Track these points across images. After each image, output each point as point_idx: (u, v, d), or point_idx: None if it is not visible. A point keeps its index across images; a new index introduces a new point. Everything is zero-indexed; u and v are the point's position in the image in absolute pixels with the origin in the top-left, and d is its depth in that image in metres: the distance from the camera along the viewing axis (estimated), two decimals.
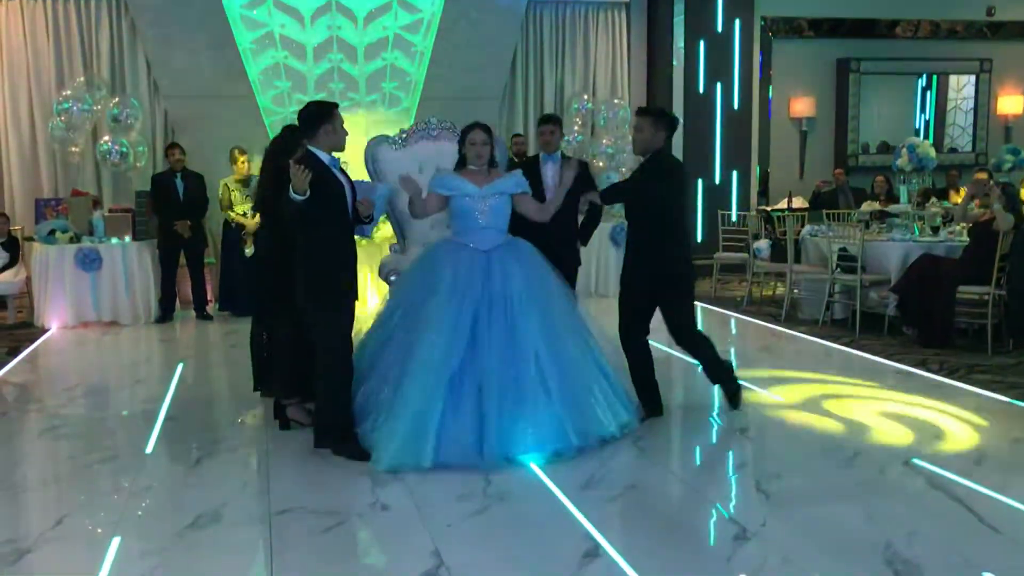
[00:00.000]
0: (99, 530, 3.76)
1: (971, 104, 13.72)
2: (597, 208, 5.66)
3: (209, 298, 8.96)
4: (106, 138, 9.68)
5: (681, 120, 11.70)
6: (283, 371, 5.09)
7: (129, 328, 8.46)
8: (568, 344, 4.75)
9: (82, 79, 9.94)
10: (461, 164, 5.00)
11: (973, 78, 13.65)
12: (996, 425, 5.17)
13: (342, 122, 4.60)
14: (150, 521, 3.90)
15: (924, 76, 13.57)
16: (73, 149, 9.78)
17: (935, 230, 8.13)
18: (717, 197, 11.86)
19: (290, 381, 5.05)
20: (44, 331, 8.25)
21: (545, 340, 4.61)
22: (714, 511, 3.94)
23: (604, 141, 10.94)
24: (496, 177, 4.96)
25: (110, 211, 9.17)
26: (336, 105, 4.67)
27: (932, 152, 8.90)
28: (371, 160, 6.89)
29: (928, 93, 13.68)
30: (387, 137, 7.07)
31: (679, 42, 11.83)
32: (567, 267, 5.38)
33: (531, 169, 5.60)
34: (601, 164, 10.90)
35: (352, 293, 4.60)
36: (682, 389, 6.21)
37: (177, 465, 4.68)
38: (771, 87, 12.82)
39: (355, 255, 4.67)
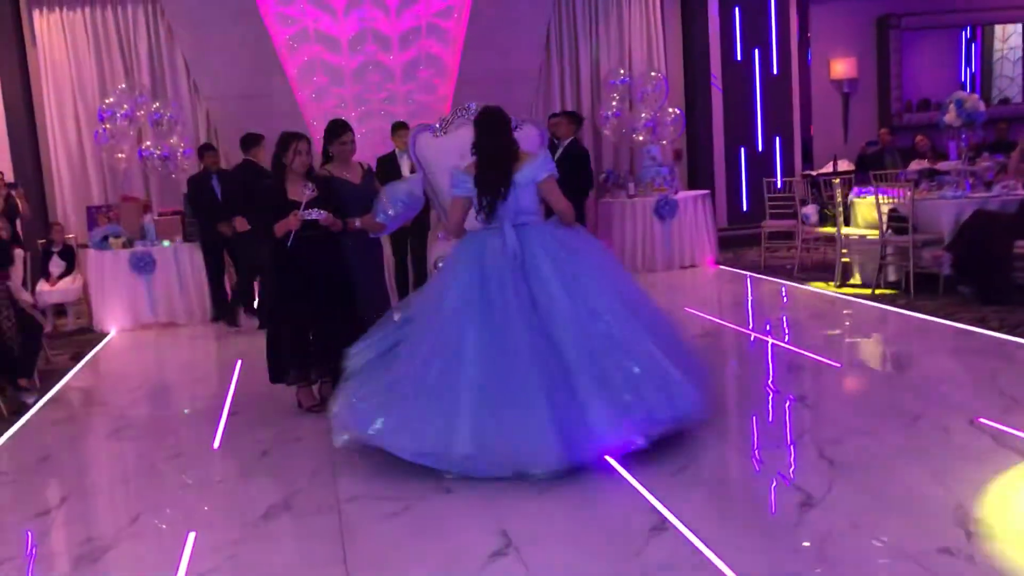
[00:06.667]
0: (174, 526, 3.86)
1: (1019, 53, 13.38)
2: None
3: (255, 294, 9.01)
4: (147, 143, 9.82)
5: (720, 89, 11.77)
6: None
7: (186, 328, 8.62)
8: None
9: (123, 85, 10.09)
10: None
11: (1019, 27, 13.31)
12: None
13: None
14: (222, 514, 3.99)
15: (968, 28, 13.27)
16: (119, 155, 9.94)
17: (988, 185, 7.97)
18: (761, 165, 11.75)
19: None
20: (104, 335, 8.45)
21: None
22: (778, 480, 3.92)
23: (643, 115, 10.86)
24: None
25: (160, 214, 9.32)
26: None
27: (980, 106, 8.70)
28: (413, 149, 6.90)
29: (973, 45, 13.38)
30: (427, 125, 7.07)
31: (713, 9, 11.69)
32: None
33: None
34: (641, 138, 10.84)
35: None
36: (736, 360, 6.18)
37: (244, 458, 4.76)
38: (810, 50, 12.63)
39: None
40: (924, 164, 10.13)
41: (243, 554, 3.54)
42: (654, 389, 4.16)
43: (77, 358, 7.54)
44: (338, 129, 5.65)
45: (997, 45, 13.47)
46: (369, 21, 10.28)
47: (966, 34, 13.32)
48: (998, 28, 13.37)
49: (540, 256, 4.38)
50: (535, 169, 4.49)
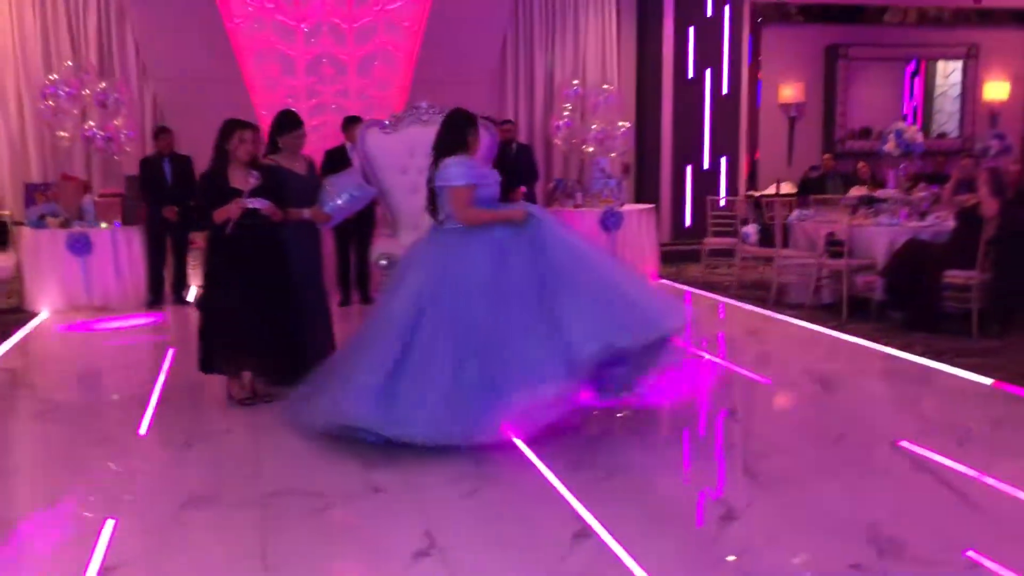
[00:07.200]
0: (93, 512, 3.79)
1: (958, 90, 13.79)
2: None
3: (189, 283, 8.91)
4: (91, 122, 9.63)
5: (671, 106, 11.92)
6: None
7: (120, 312, 8.46)
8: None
9: (70, 63, 9.89)
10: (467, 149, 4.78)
11: (960, 64, 13.72)
12: (979, 407, 5.24)
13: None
14: (144, 502, 3.93)
15: (913, 62, 13.63)
16: (62, 134, 9.74)
17: (922, 215, 8.20)
18: (706, 183, 11.93)
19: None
20: (35, 315, 8.25)
21: None
22: (703, 492, 3.99)
23: (593, 126, 10.95)
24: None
25: (100, 196, 9.15)
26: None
27: (919, 137, 8.94)
28: (362, 145, 6.88)
29: (915, 79, 13.75)
30: (377, 122, 7.07)
31: (668, 28, 11.85)
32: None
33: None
34: (591, 149, 10.93)
35: None
36: (671, 373, 6.25)
37: (170, 448, 4.70)
38: (760, 73, 12.87)
39: None
40: (864, 191, 10.38)
41: (163, 544, 3.50)
42: (422, 392, 4.32)
43: (5, 337, 7.36)
44: (292, 122, 5.60)
45: (939, 81, 13.86)
46: (326, 13, 10.22)
47: (911, 68, 13.68)
48: (940, 64, 13.77)
49: (419, 262, 4.70)
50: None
